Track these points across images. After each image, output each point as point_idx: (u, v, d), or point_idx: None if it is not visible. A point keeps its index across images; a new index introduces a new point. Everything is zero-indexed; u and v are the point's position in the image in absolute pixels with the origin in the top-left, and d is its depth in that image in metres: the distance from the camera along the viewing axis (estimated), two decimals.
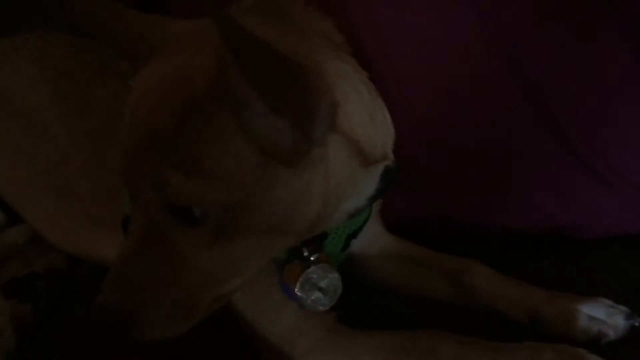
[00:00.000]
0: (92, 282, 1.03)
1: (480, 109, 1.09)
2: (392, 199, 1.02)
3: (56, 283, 1.00)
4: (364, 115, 0.83)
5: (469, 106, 1.09)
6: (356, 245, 1.00)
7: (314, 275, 0.89)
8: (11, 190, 1.12)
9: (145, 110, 0.69)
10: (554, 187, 1.12)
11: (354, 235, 0.96)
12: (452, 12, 1.06)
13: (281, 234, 0.77)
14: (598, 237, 1.15)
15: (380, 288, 1.07)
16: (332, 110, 0.70)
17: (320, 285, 0.90)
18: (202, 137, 0.67)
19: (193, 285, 0.74)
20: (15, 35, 1.20)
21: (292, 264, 0.90)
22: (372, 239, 1.06)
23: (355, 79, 0.82)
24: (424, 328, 0.89)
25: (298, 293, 0.88)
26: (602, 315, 0.91)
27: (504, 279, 0.99)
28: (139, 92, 0.72)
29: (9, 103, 1.11)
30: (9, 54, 1.16)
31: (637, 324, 0.90)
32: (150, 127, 0.69)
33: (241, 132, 0.67)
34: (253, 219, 0.72)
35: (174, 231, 0.71)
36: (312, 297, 0.90)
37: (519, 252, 1.12)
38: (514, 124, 1.10)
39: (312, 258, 0.89)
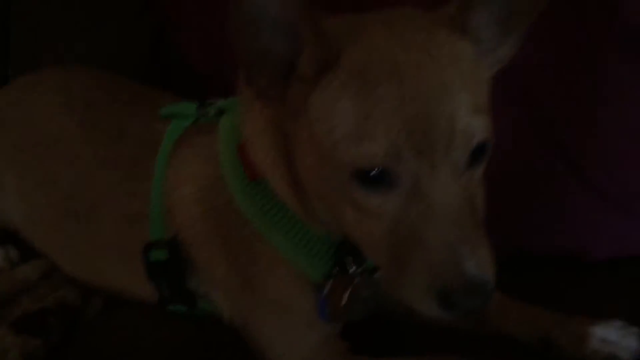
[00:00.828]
0: (105, 315, 1.06)
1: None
2: None
3: (68, 318, 1.00)
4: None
5: None
6: None
7: (360, 287, 0.90)
8: (31, 219, 1.13)
9: (437, 72, 0.72)
10: (562, 208, 1.12)
11: None
12: None
13: None
14: (608, 259, 1.14)
15: (391, 316, 1.06)
16: None
17: (363, 296, 0.90)
18: (482, 82, 0.77)
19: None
20: (42, 70, 1.23)
21: (337, 278, 0.90)
22: None
23: None
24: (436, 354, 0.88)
25: (345, 306, 0.88)
26: (614, 337, 0.90)
27: (513, 302, 0.98)
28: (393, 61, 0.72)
29: (34, 133, 1.12)
30: (35, 86, 1.18)
31: None
32: (451, 85, 0.72)
33: None
34: None
35: (470, 175, 0.74)
36: (356, 307, 0.90)
37: (529, 274, 1.10)
38: (522, 151, 1.11)
39: (358, 271, 0.90)
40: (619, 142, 1.10)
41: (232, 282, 0.94)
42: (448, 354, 0.87)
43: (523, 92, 1.11)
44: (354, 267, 0.90)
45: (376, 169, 0.71)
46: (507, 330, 0.96)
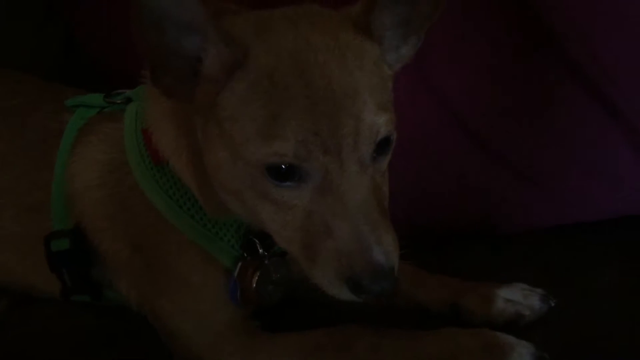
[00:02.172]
0: (11, 316, 1.02)
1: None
2: None
3: None
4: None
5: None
6: None
7: (271, 270, 0.91)
8: None
9: (342, 70, 0.74)
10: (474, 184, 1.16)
11: None
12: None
13: None
14: (520, 231, 1.17)
15: (307, 300, 1.06)
16: None
17: (274, 278, 0.91)
18: (386, 80, 0.80)
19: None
20: None
21: (247, 260, 0.90)
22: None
23: None
24: None
25: (255, 288, 0.89)
26: (518, 298, 0.93)
27: (424, 273, 1.00)
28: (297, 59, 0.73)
29: None
30: None
31: (552, 304, 0.92)
32: (356, 83, 0.74)
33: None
34: None
35: (376, 167, 0.77)
36: (267, 289, 0.91)
37: (443, 248, 1.13)
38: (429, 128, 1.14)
39: (266, 253, 0.91)
40: (522, 120, 1.13)
41: (137, 268, 0.92)
42: (350, 324, 0.88)
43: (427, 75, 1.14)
44: (262, 250, 0.91)
45: (287, 166, 0.73)
46: (419, 301, 0.97)
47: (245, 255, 0.90)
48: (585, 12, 1.02)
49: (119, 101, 0.98)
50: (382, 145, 0.76)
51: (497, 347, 0.82)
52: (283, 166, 0.73)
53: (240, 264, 0.90)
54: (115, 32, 1.29)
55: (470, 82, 1.13)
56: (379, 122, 0.74)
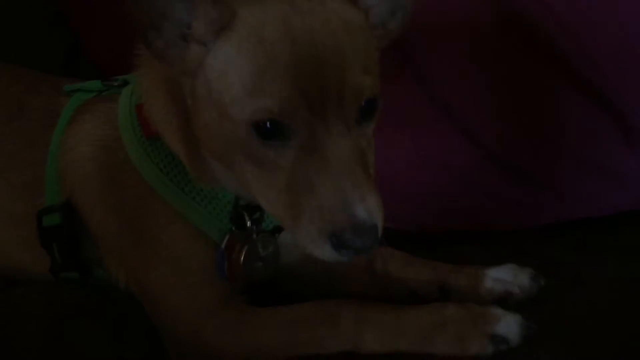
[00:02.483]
0: None
1: None
2: None
3: None
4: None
5: None
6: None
7: (258, 245, 0.91)
8: None
9: (328, 34, 0.76)
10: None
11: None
12: None
13: None
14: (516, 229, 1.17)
15: (301, 291, 1.06)
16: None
17: (262, 255, 0.92)
18: (371, 46, 0.81)
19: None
20: None
21: (234, 232, 0.91)
22: (292, 248, 1.06)
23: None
24: None
25: (243, 263, 0.89)
26: (507, 277, 0.93)
27: (413, 258, 1.00)
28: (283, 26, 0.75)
29: None
30: None
31: (542, 283, 0.91)
32: (341, 45, 0.76)
33: None
34: None
35: (361, 130, 0.79)
36: (255, 267, 0.91)
37: (439, 244, 1.13)
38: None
39: (254, 227, 0.91)
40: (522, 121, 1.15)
41: (125, 242, 0.92)
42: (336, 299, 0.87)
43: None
44: (250, 223, 0.91)
45: (272, 123, 0.74)
46: (408, 285, 0.96)
47: (234, 228, 0.91)
48: (573, 13, 1.05)
49: (116, 84, 1.01)
50: (367, 109, 0.78)
51: (484, 316, 0.82)
52: (268, 124, 0.74)
53: (227, 236, 0.90)
54: (120, 40, 1.34)
55: (474, 93, 1.15)
56: (363, 83, 0.76)
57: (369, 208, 0.74)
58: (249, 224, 0.91)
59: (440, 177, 1.17)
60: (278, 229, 0.95)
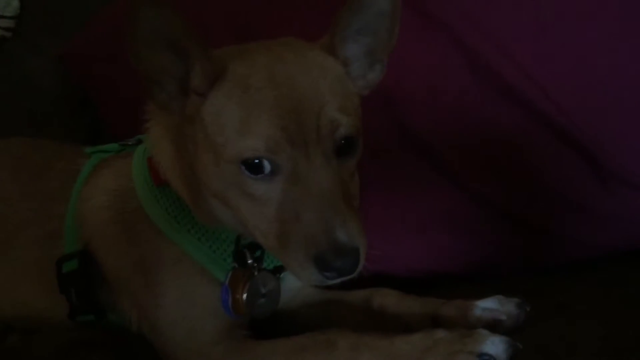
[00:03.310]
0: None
1: None
2: None
3: None
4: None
5: None
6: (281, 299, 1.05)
7: (259, 282, 0.98)
8: None
9: (308, 79, 0.87)
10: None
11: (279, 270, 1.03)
12: None
13: None
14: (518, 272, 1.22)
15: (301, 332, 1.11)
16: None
17: (263, 291, 0.98)
18: (348, 91, 0.92)
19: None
20: None
21: (237, 270, 0.98)
22: (295, 292, 1.12)
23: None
24: None
25: (245, 299, 0.96)
26: (495, 306, 0.97)
27: (408, 295, 1.05)
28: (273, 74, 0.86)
29: None
30: None
31: (528, 309, 0.96)
32: (320, 89, 0.87)
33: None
34: None
35: (342, 164, 0.88)
36: (257, 303, 0.98)
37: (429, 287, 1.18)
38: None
39: (255, 265, 0.98)
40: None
41: (137, 285, 0.99)
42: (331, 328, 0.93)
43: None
44: (251, 261, 0.98)
45: (260, 160, 0.84)
46: (403, 319, 1.01)
47: (236, 266, 0.98)
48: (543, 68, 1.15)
49: (130, 143, 1.12)
50: (347, 146, 0.87)
51: (472, 335, 0.86)
52: (257, 160, 0.84)
53: (230, 272, 0.97)
54: (138, 116, 1.46)
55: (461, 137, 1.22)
56: (339, 119, 0.86)
57: (349, 232, 0.82)
58: (250, 261, 0.98)
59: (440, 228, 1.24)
60: (279, 269, 1.02)
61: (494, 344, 0.85)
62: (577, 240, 1.19)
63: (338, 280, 0.84)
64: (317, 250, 0.81)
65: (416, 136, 1.21)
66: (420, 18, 1.21)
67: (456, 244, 1.23)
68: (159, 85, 0.88)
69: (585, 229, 1.18)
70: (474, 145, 1.20)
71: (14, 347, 0.98)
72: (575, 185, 1.16)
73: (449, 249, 1.23)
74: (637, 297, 1.00)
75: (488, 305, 0.97)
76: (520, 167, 1.19)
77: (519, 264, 1.23)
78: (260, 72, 0.86)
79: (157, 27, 0.82)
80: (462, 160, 1.20)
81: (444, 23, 1.20)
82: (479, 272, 1.23)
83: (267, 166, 0.84)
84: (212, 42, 0.91)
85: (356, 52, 0.94)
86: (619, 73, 1.12)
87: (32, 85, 1.71)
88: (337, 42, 0.92)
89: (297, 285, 1.10)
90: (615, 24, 1.13)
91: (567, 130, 1.12)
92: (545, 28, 1.15)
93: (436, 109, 1.19)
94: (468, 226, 1.22)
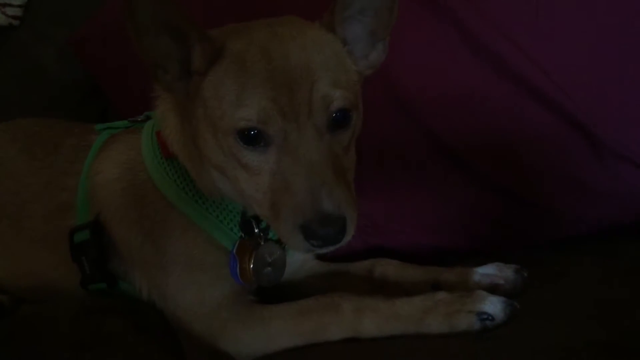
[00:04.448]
0: None
1: None
2: None
3: None
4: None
5: None
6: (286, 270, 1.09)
7: (265, 252, 1.02)
8: None
9: (302, 54, 0.90)
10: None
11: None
12: None
13: None
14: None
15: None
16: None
17: (269, 260, 1.02)
18: (344, 66, 0.95)
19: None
20: None
21: (244, 239, 1.02)
22: (300, 264, 1.16)
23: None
24: None
25: (252, 268, 1.00)
26: (493, 271, 1.01)
27: (408, 264, 1.09)
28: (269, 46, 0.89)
29: None
30: None
31: (526, 275, 1.00)
32: (313, 63, 0.89)
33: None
34: None
35: (334, 138, 0.91)
36: (264, 272, 1.01)
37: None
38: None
39: (261, 234, 1.02)
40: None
41: (146, 251, 1.03)
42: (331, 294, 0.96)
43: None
44: (258, 230, 1.02)
45: (253, 130, 0.88)
46: (404, 287, 1.05)
47: (243, 235, 1.01)
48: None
49: (139, 119, 1.15)
50: (339, 119, 0.90)
51: (471, 296, 0.90)
52: (251, 132, 0.87)
53: (238, 242, 1.01)
54: (146, 99, 1.49)
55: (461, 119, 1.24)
56: (332, 93, 0.89)
57: (335, 202, 0.85)
58: (256, 231, 1.02)
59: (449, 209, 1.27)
60: None
61: (493, 304, 0.88)
62: (575, 216, 1.22)
63: (325, 249, 0.88)
64: (303, 219, 0.84)
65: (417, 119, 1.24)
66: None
67: (459, 219, 1.26)
68: (163, 68, 0.92)
69: (582, 205, 1.21)
70: (474, 125, 1.23)
71: (28, 314, 1.01)
72: (574, 163, 1.19)
73: (449, 224, 1.26)
74: (627, 266, 1.03)
75: (487, 271, 1.01)
76: (519, 145, 1.21)
77: (519, 240, 1.26)
78: (256, 48, 0.90)
79: (153, 14, 0.86)
80: (461, 139, 1.23)
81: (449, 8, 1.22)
82: (480, 249, 1.26)
83: (259, 137, 0.87)
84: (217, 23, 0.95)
85: (358, 32, 0.97)
86: (614, 52, 1.15)
87: (41, 73, 1.76)
88: (337, 21, 0.94)
89: (302, 256, 1.14)
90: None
91: (564, 107, 1.15)
92: (544, 8, 1.18)
93: (434, 87, 1.22)
94: (469, 203, 1.25)
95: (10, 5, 1.78)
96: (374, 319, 0.91)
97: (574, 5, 1.17)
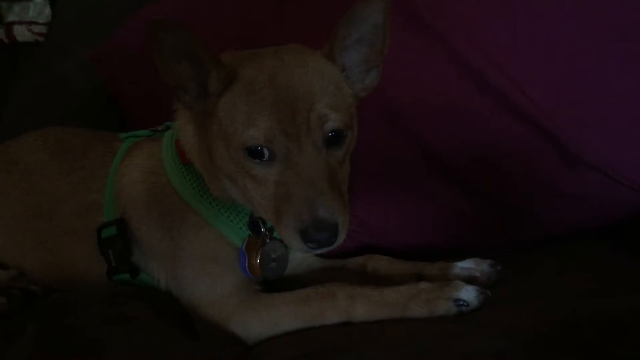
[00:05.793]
0: None
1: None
2: None
3: (27, 293, 1.20)
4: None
5: None
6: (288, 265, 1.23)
7: (270, 249, 1.16)
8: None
9: (304, 80, 1.03)
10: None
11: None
12: None
13: None
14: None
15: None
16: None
17: (274, 257, 1.16)
18: (341, 92, 1.06)
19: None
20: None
21: (252, 237, 1.16)
22: (301, 260, 1.30)
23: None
24: None
25: (259, 263, 1.14)
26: (471, 265, 1.15)
27: (397, 260, 1.23)
28: (275, 75, 1.02)
29: (17, 167, 1.36)
30: (22, 138, 1.43)
31: (499, 268, 1.13)
32: (313, 89, 1.02)
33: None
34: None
35: (331, 154, 1.03)
36: (269, 267, 1.16)
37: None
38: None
39: (267, 233, 1.16)
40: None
41: (165, 246, 1.17)
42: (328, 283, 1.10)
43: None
44: (264, 229, 1.16)
45: (260, 147, 1.01)
46: (392, 279, 1.18)
47: (251, 234, 1.15)
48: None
49: (160, 129, 1.29)
50: (336, 137, 1.03)
51: (449, 285, 1.03)
52: (258, 148, 1.01)
53: (246, 239, 1.15)
54: (162, 112, 1.63)
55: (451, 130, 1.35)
56: (327, 114, 1.02)
57: (330, 210, 0.98)
58: (262, 230, 1.16)
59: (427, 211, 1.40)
60: None
61: (468, 292, 1.02)
62: (553, 219, 1.33)
63: (320, 251, 1.02)
64: (301, 225, 0.98)
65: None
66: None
67: (444, 221, 1.38)
68: (184, 89, 1.06)
69: (558, 209, 1.32)
70: (457, 135, 1.34)
71: (60, 299, 1.14)
72: (548, 170, 1.30)
73: (434, 226, 1.38)
74: (588, 262, 1.18)
75: (465, 265, 1.14)
76: (498, 154, 1.33)
77: (500, 240, 1.38)
78: (264, 75, 1.03)
79: (176, 45, 0.99)
80: (445, 148, 1.34)
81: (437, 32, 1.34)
82: (464, 248, 1.38)
83: (265, 153, 1.01)
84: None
85: (355, 60, 1.09)
86: (583, 65, 1.26)
87: (63, 86, 1.91)
88: (336, 50, 1.07)
89: (302, 254, 1.27)
90: (576, 15, 1.26)
91: (537, 120, 1.26)
92: (522, 31, 1.31)
93: (423, 100, 1.34)
94: (454, 207, 1.37)
95: (36, 23, 1.93)
96: (365, 305, 1.05)
97: (550, 28, 1.28)
